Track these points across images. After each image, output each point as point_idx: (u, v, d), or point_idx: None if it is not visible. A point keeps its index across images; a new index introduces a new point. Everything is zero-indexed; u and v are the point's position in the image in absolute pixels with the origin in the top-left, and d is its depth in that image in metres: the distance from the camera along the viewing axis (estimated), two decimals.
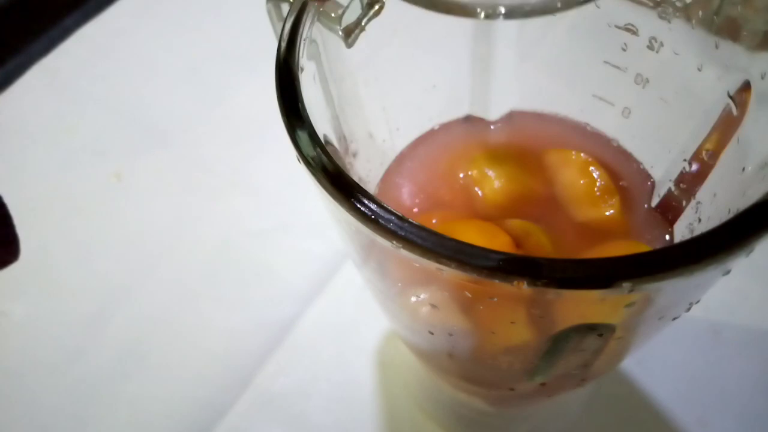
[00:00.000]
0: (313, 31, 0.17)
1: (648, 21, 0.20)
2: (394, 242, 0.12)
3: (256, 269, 0.34)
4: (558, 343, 0.16)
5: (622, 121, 0.23)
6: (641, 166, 0.23)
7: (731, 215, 0.12)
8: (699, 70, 0.19)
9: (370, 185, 0.23)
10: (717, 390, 0.29)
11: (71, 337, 0.32)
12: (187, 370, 0.32)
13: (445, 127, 0.25)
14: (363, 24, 0.18)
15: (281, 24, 0.16)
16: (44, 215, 0.36)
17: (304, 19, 0.16)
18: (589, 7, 0.21)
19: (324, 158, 0.14)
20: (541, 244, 0.20)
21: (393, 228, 0.12)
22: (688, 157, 0.20)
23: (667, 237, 0.21)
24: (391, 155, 0.24)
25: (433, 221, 0.22)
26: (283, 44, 0.16)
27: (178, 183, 0.37)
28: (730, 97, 0.18)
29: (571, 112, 0.24)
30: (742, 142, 0.18)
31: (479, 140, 0.25)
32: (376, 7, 0.18)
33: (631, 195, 0.22)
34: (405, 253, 0.12)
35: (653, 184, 0.23)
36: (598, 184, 0.22)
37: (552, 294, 0.13)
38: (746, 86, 0.18)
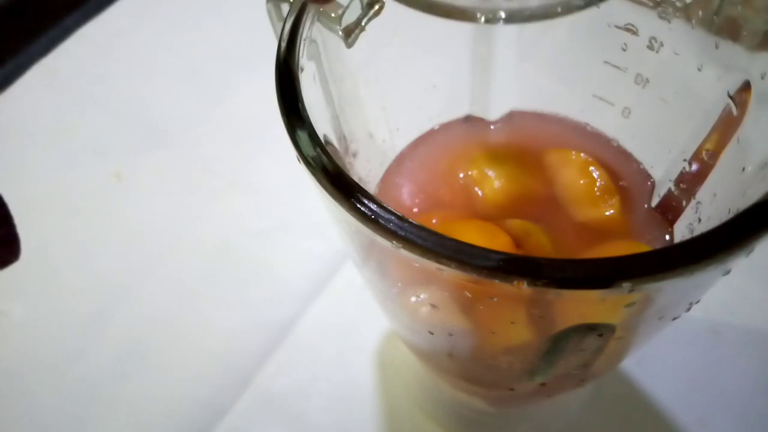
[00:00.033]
0: (313, 31, 0.17)
1: (648, 21, 0.20)
2: (394, 242, 0.12)
3: (256, 269, 0.34)
4: (558, 343, 0.16)
5: (622, 121, 0.23)
6: (641, 166, 0.23)
7: (731, 215, 0.12)
8: (699, 70, 0.19)
9: (370, 185, 0.23)
10: (717, 390, 0.29)
11: (71, 337, 0.33)
12: (187, 370, 0.32)
13: (445, 127, 0.25)
14: (363, 24, 0.18)
15: (281, 24, 0.16)
16: (44, 215, 0.36)
17: (304, 19, 0.16)
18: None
19: (324, 158, 0.14)
20: (541, 244, 0.20)
21: (393, 228, 0.12)
22: (688, 157, 0.20)
23: (667, 237, 0.21)
24: (391, 155, 0.24)
25: (433, 221, 0.22)
26: (283, 44, 0.16)
27: (178, 183, 0.37)
28: (730, 97, 0.18)
29: (571, 112, 0.24)
30: (742, 142, 0.18)
31: (479, 140, 0.25)
32: (376, 7, 0.18)
33: (631, 195, 0.22)
34: (405, 253, 0.12)
35: (653, 184, 0.23)
36: (598, 184, 0.22)
37: (552, 294, 0.13)
38: (746, 86, 0.18)
